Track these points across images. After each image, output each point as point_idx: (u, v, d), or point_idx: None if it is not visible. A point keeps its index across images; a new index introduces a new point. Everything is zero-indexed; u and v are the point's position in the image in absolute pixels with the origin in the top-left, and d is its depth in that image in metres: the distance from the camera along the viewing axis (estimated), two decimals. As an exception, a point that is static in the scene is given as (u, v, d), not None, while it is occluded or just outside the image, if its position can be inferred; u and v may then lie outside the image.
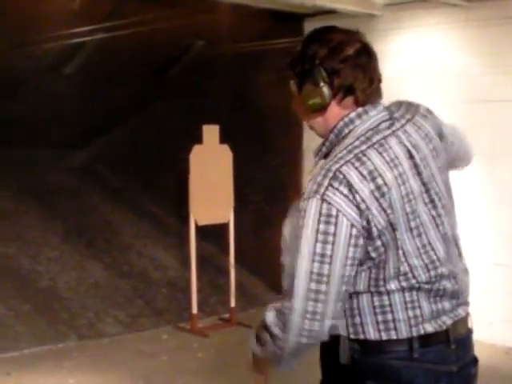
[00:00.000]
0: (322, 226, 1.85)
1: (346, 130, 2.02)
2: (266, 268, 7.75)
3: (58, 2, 6.86)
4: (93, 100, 8.68)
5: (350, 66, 1.99)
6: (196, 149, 6.49)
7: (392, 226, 1.91)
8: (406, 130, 2.04)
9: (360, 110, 2.02)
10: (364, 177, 1.89)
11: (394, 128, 2.02)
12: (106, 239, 8.29)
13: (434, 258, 1.98)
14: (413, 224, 1.95)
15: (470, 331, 2.12)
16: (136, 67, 8.44)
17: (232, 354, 6.05)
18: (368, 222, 1.88)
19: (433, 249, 1.98)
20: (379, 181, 1.90)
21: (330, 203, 1.85)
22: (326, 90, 1.99)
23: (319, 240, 1.85)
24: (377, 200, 1.89)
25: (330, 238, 1.84)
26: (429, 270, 1.97)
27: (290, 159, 7.77)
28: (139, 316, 6.93)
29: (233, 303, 6.89)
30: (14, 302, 6.61)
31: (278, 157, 7.94)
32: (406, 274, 1.94)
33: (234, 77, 8.27)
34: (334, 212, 1.85)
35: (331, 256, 1.85)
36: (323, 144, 2.07)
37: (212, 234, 7.28)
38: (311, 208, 1.87)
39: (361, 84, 2.00)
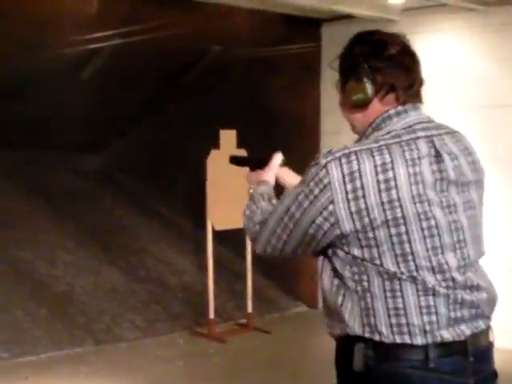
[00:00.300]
0: (312, 184, 1.99)
1: (383, 125, 2.07)
2: (283, 273, 7.73)
3: (75, 7, 6.89)
4: (108, 105, 8.71)
5: (393, 65, 2.06)
6: (213, 154, 6.48)
7: (387, 223, 1.92)
8: (443, 137, 2.06)
9: (400, 108, 2.08)
10: (375, 166, 1.93)
11: (429, 133, 2.04)
12: (121, 243, 8.30)
13: (443, 261, 1.97)
14: (425, 224, 1.95)
15: (490, 344, 2.09)
16: (152, 72, 8.45)
17: (249, 360, 6.04)
18: (359, 210, 1.92)
19: (443, 252, 1.97)
20: (389, 174, 1.93)
21: (328, 172, 1.96)
22: (368, 86, 2.06)
23: (304, 192, 2.00)
24: (379, 192, 1.92)
25: (311, 197, 1.98)
26: (435, 273, 1.95)
27: (306, 164, 7.74)
28: (156, 321, 6.93)
29: (250, 308, 6.88)
30: (30, 306, 6.62)
31: (294, 162, 7.91)
32: (411, 273, 1.94)
33: (250, 82, 8.27)
34: (325, 181, 1.96)
35: (305, 209, 2.00)
36: (359, 139, 2.12)
37: (228, 239, 7.27)
38: (315, 168, 2.00)
39: (402, 83, 2.07)
